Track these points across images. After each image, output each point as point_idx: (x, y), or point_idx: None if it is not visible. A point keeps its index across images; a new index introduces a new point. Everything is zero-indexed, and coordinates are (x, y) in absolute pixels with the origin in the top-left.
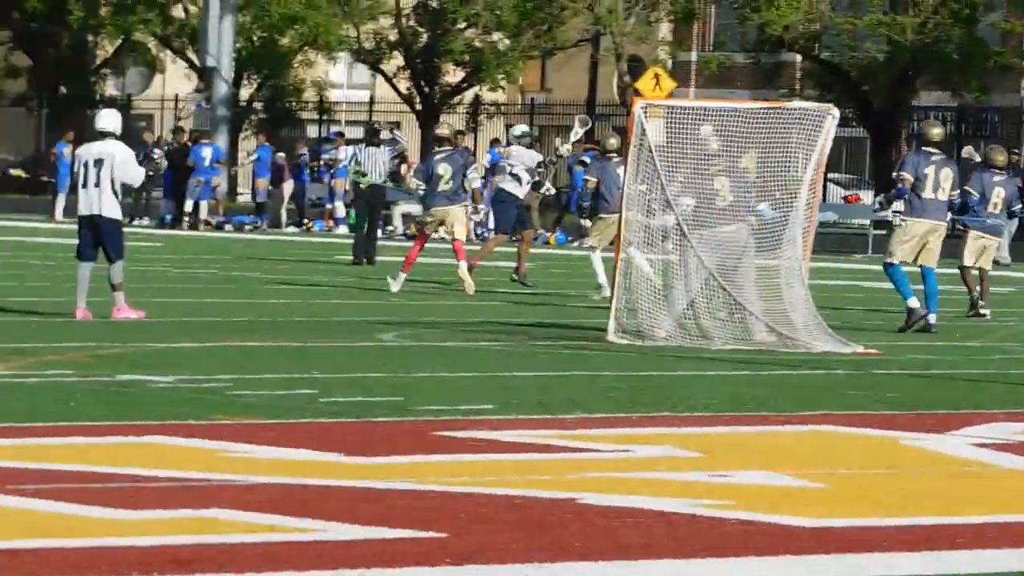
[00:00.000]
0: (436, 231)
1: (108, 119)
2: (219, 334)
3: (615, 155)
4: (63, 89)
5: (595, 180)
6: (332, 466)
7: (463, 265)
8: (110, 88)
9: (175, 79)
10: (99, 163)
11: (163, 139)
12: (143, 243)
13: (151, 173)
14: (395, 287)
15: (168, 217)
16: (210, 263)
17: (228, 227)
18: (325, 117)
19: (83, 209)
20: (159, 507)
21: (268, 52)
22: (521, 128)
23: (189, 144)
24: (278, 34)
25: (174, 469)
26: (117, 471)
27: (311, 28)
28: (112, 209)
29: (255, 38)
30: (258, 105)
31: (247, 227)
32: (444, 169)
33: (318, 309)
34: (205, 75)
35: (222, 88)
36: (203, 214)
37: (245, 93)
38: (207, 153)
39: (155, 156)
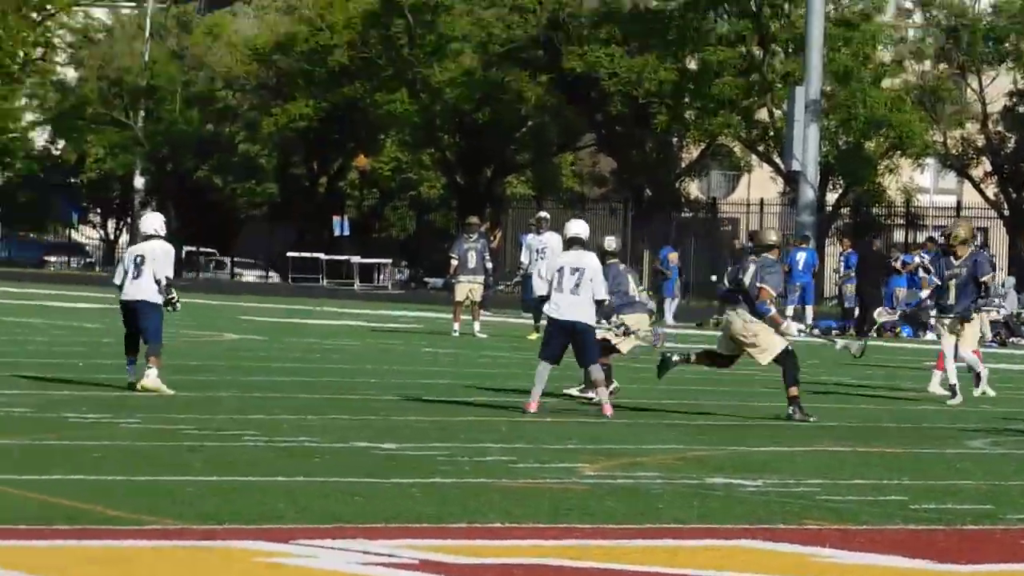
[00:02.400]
0: None
1: (578, 227)
2: (809, 438)
3: None
4: (647, 191)
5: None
6: (922, 574)
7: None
8: (694, 191)
9: (760, 183)
10: (578, 271)
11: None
12: None
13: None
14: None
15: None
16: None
17: (815, 332)
18: (911, 223)
19: (561, 314)
20: None
21: (854, 157)
22: None
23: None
24: (864, 139)
25: (764, 573)
26: (705, 574)
27: (897, 132)
28: (591, 316)
29: (841, 143)
30: (843, 210)
31: (834, 332)
32: None
33: (907, 415)
34: (790, 180)
35: (808, 193)
36: (808, 319)
37: (831, 198)
38: (801, 257)
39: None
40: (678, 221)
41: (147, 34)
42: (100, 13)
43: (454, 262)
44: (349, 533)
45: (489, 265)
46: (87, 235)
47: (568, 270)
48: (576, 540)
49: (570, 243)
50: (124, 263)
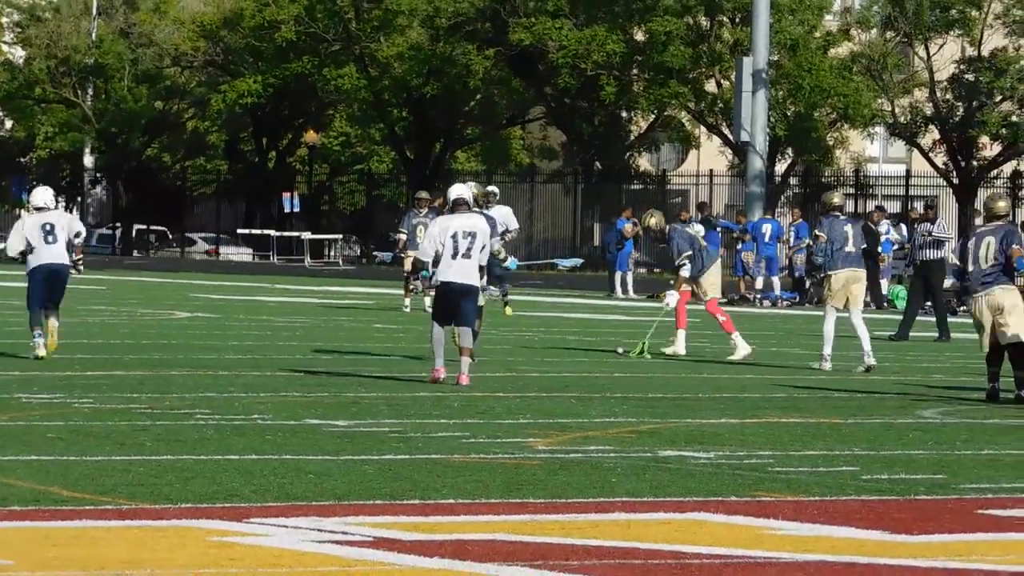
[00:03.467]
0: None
1: (460, 189)
2: (758, 410)
3: (840, 212)
4: (597, 164)
5: (825, 236)
6: (875, 544)
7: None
8: (644, 163)
9: (709, 155)
10: (470, 235)
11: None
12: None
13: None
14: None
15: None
16: (749, 339)
17: (765, 303)
18: (861, 192)
19: (454, 277)
20: None
21: (802, 126)
22: None
23: (712, 217)
24: (811, 108)
25: (718, 546)
26: (660, 548)
27: (844, 101)
28: (477, 279)
29: (788, 113)
30: (793, 180)
31: (783, 303)
32: None
33: (857, 385)
34: (739, 151)
35: (756, 163)
36: (777, 289)
37: (779, 168)
38: (767, 229)
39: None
40: (628, 193)
41: (94, 12)
42: None
43: (403, 237)
44: (302, 511)
45: None
46: None
47: (461, 234)
48: (530, 515)
49: (455, 206)
50: (26, 231)
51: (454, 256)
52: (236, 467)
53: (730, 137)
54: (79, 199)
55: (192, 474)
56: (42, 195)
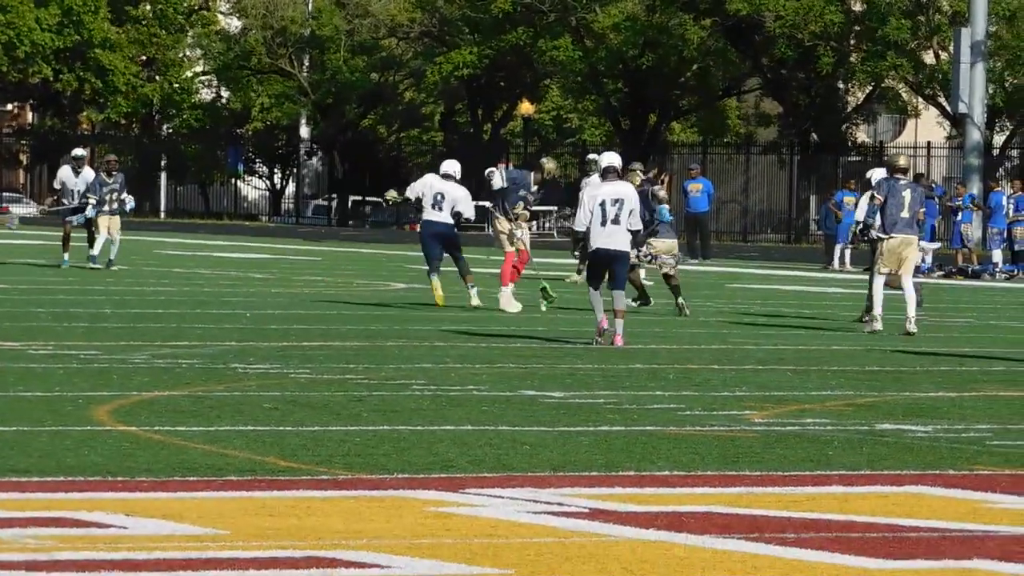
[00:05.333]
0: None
1: (610, 157)
2: (977, 383)
3: (903, 176)
4: (813, 136)
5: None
6: None
7: None
8: (861, 135)
9: (927, 126)
10: (618, 202)
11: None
12: None
13: None
14: None
15: (924, 267)
16: (965, 311)
17: (986, 276)
18: None
19: (604, 243)
20: (919, 557)
21: (1020, 98)
22: None
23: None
24: None
25: (934, 519)
26: (876, 520)
27: None
28: (626, 244)
29: (1007, 84)
30: (1013, 152)
31: (1002, 275)
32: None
33: None
34: (957, 122)
35: (974, 135)
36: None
37: (998, 140)
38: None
39: None
40: (845, 165)
41: None
42: None
43: None
44: (518, 482)
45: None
46: (254, 185)
47: (609, 201)
48: (745, 488)
49: (606, 173)
50: (420, 188)
51: (603, 223)
52: (452, 438)
53: (948, 108)
54: (295, 170)
55: (408, 444)
56: (450, 165)
